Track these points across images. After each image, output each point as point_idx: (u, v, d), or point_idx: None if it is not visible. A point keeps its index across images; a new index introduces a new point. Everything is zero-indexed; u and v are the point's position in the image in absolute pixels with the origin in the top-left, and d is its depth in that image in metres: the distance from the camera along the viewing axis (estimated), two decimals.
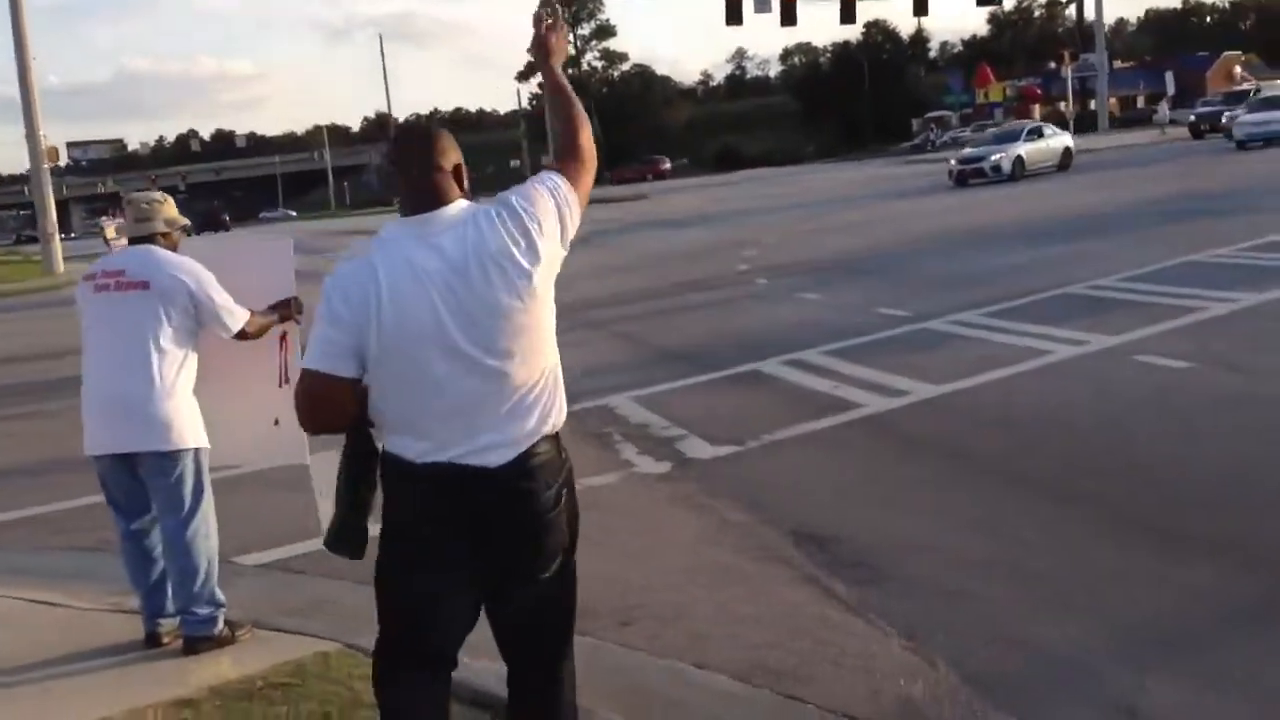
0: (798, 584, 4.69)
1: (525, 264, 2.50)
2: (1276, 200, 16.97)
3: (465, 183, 2.62)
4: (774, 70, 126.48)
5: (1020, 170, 30.36)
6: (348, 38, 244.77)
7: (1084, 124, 56.42)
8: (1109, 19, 73.05)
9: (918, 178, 36.37)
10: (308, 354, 2.51)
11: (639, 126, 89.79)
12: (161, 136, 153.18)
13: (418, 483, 2.53)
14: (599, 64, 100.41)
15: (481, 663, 2.84)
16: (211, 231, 59.35)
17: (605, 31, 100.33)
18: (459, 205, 2.56)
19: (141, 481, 4.15)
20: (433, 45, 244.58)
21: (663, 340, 11.51)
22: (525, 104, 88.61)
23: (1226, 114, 36.18)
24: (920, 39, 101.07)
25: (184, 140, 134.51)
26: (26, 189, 53.12)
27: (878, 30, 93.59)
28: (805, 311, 12.31)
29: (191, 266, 4.18)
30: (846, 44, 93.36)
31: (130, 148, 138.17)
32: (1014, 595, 4.39)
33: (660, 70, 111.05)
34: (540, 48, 2.87)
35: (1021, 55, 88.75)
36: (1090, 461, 5.96)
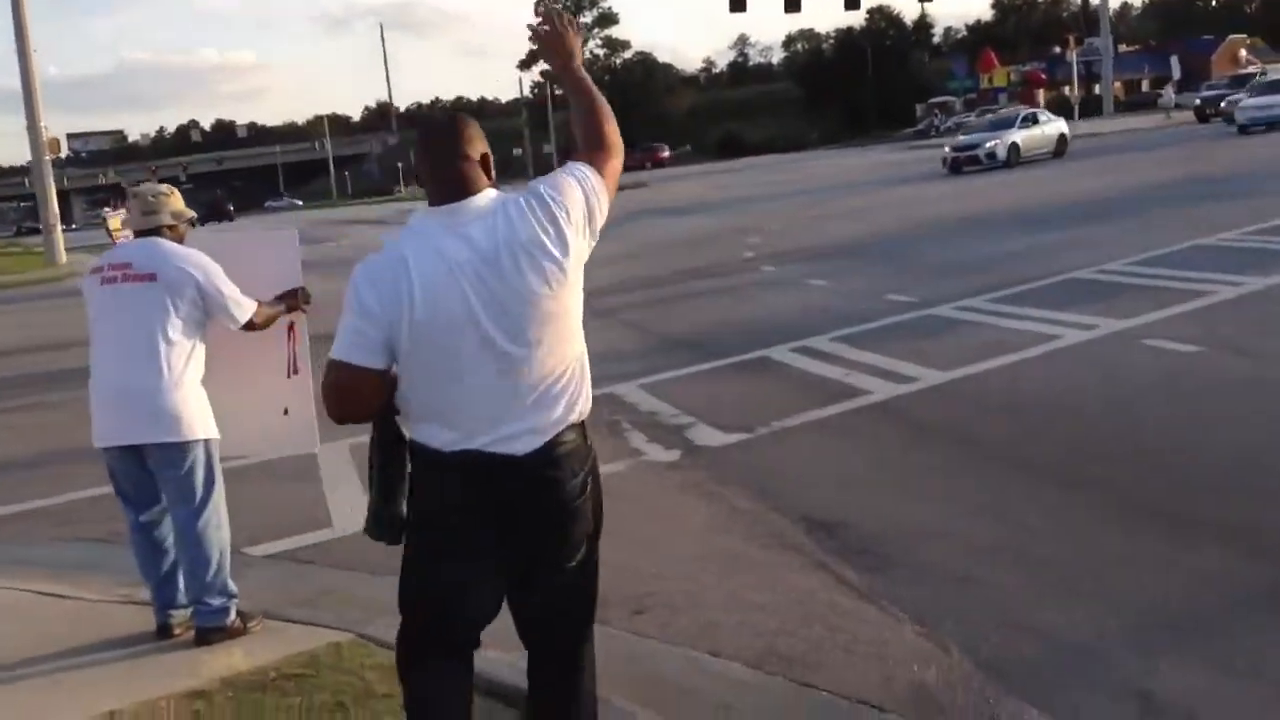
0: (808, 571, 4.69)
1: (555, 253, 2.49)
2: None
3: (492, 172, 2.61)
4: (777, 57, 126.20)
5: (1015, 157, 30.22)
6: (348, 27, 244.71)
7: (1089, 108, 56.28)
8: (1113, 3, 72.85)
9: (921, 163, 36.27)
10: (336, 345, 2.50)
11: (641, 114, 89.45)
12: (162, 127, 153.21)
13: (445, 472, 2.53)
14: (601, 52, 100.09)
15: (494, 653, 2.84)
16: (216, 222, 59.46)
17: (607, 19, 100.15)
18: (488, 195, 2.55)
19: (151, 473, 4.15)
20: (433, 34, 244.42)
21: (669, 328, 11.50)
22: (527, 92, 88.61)
23: (1227, 98, 35.93)
24: (924, 24, 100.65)
25: (184, 131, 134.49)
26: (27, 180, 53.14)
27: (881, 16, 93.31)
28: (811, 298, 12.29)
29: (199, 258, 4.16)
30: (850, 30, 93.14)
31: (130, 139, 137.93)
32: (1023, 581, 4.39)
33: (662, 58, 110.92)
34: (559, 51, 2.81)
35: (1026, 40, 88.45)
36: (1098, 446, 5.94)
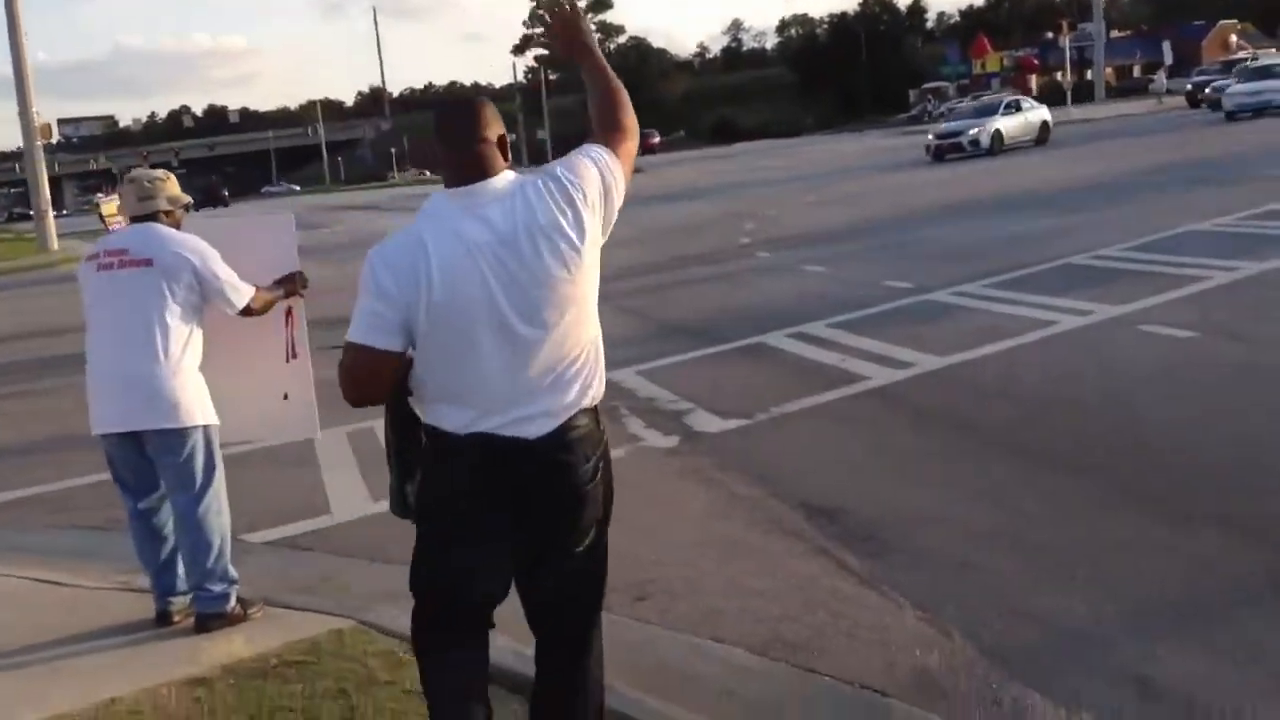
0: (809, 557, 4.68)
1: (573, 235, 2.49)
2: (1274, 169, 16.91)
3: (509, 153, 2.60)
4: (770, 42, 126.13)
5: (999, 144, 30.18)
6: (342, 11, 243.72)
7: (1081, 94, 56.22)
8: None
9: (915, 149, 36.16)
10: (353, 328, 2.48)
11: (635, 100, 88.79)
12: (154, 113, 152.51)
13: (458, 455, 2.52)
14: (595, 37, 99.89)
15: (501, 640, 2.83)
16: (211, 207, 59.26)
17: (601, 4, 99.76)
18: (505, 177, 2.54)
19: (149, 460, 4.13)
20: (427, 19, 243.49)
21: (667, 314, 11.47)
22: (520, 77, 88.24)
23: (1213, 84, 35.69)
24: (918, 10, 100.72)
25: (176, 116, 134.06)
26: (18, 166, 52.96)
27: (875, 1, 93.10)
28: (808, 284, 12.28)
29: (195, 243, 4.14)
30: (844, 15, 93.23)
31: (122, 124, 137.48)
32: (1021, 566, 4.39)
33: (656, 43, 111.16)
34: (574, 35, 2.83)
35: (1019, 25, 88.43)
36: (1095, 432, 5.95)
